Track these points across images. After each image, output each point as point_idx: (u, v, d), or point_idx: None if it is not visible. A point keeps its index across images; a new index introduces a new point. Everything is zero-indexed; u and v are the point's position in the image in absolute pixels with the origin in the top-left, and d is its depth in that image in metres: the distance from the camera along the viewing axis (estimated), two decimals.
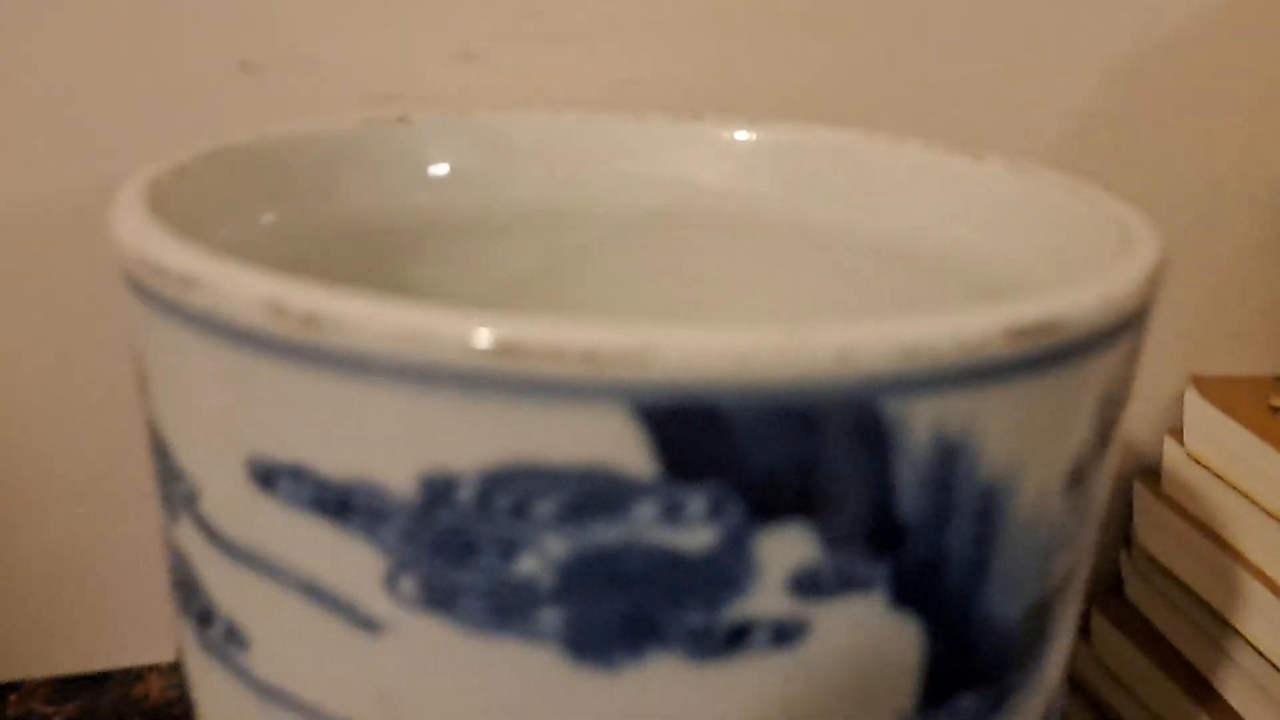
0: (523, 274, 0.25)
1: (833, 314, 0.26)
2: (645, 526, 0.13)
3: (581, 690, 0.14)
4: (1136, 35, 0.37)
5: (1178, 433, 0.42)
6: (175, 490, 0.17)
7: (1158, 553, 0.42)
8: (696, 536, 0.14)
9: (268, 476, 0.15)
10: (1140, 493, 0.43)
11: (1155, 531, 0.42)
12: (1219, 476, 0.39)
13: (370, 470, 0.14)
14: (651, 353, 0.13)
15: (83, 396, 0.32)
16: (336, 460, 0.14)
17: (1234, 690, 0.38)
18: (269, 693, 0.16)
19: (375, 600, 0.14)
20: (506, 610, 0.14)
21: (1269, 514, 0.36)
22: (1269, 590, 0.36)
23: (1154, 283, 0.16)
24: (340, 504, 0.14)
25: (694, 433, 0.13)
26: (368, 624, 0.15)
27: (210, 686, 0.17)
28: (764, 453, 0.13)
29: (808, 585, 0.14)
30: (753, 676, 0.14)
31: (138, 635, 0.36)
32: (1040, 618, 0.16)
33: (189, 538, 0.17)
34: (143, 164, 0.19)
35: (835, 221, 0.25)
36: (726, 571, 0.14)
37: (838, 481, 0.14)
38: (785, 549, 0.14)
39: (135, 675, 0.35)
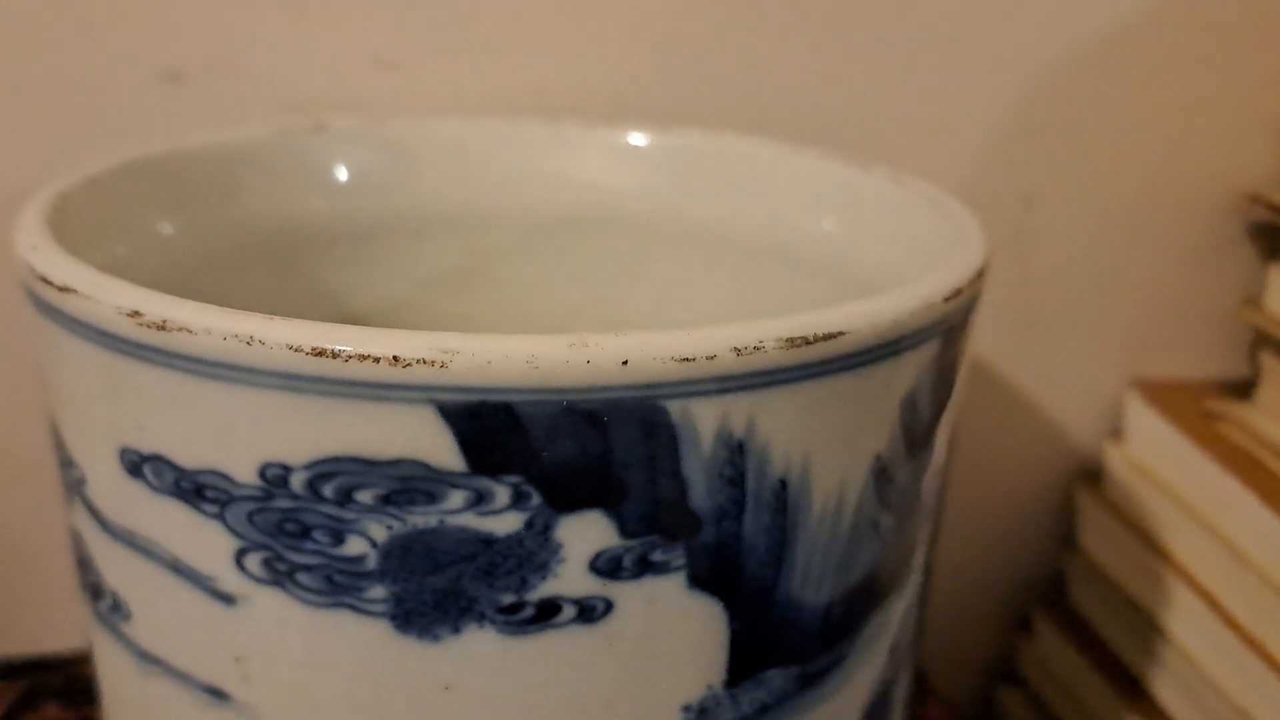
0: (438, 276, 0.27)
1: (735, 312, 0.27)
2: (456, 513, 0.15)
3: (408, 659, 0.16)
4: (1062, 43, 0.38)
5: (1119, 436, 0.43)
6: (69, 476, 0.18)
7: (1098, 556, 0.43)
8: (504, 522, 0.15)
9: (135, 465, 0.16)
10: (1082, 496, 0.44)
11: (1096, 535, 0.43)
12: (1157, 482, 0.40)
13: (218, 461, 0.15)
14: (450, 358, 0.14)
15: (19, 384, 0.34)
16: (190, 451, 0.16)
17: (1164, 692, 0.39)
18: (147, 659, 0.18)
19: (228, 576, 0.16)
20: (338, 586, 0.16)
21: (1202, 521, 0.37)
22: (1199, 597, 0.37)
23: (954, 299, 0.17)
24: (195, 490, 0.16)
25: (492, 431, 0.15)
26: (224, 597, 0.16)
27: (104, 656, 0.19)
28: (558, 449, 0.15)
29: (609, 568, 0.16)
30: (563, 649, 0.16)
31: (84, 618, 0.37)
32: (852, 604, 0.18)
33: (81, 519, 0.18)
34: (61, 171, 0.21)
35: (733, 225, 0.27)
36: (532, 555, 0.15)
37: (630, 474, 0.15)
38: (586, 535, 0.15)
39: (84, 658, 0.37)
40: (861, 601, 0.18)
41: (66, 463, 0.18)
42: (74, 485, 0.18)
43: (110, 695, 0.19)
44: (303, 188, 0.25)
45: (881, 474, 0.17)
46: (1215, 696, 0.36)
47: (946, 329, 0.17)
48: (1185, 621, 0.38)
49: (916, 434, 0.18)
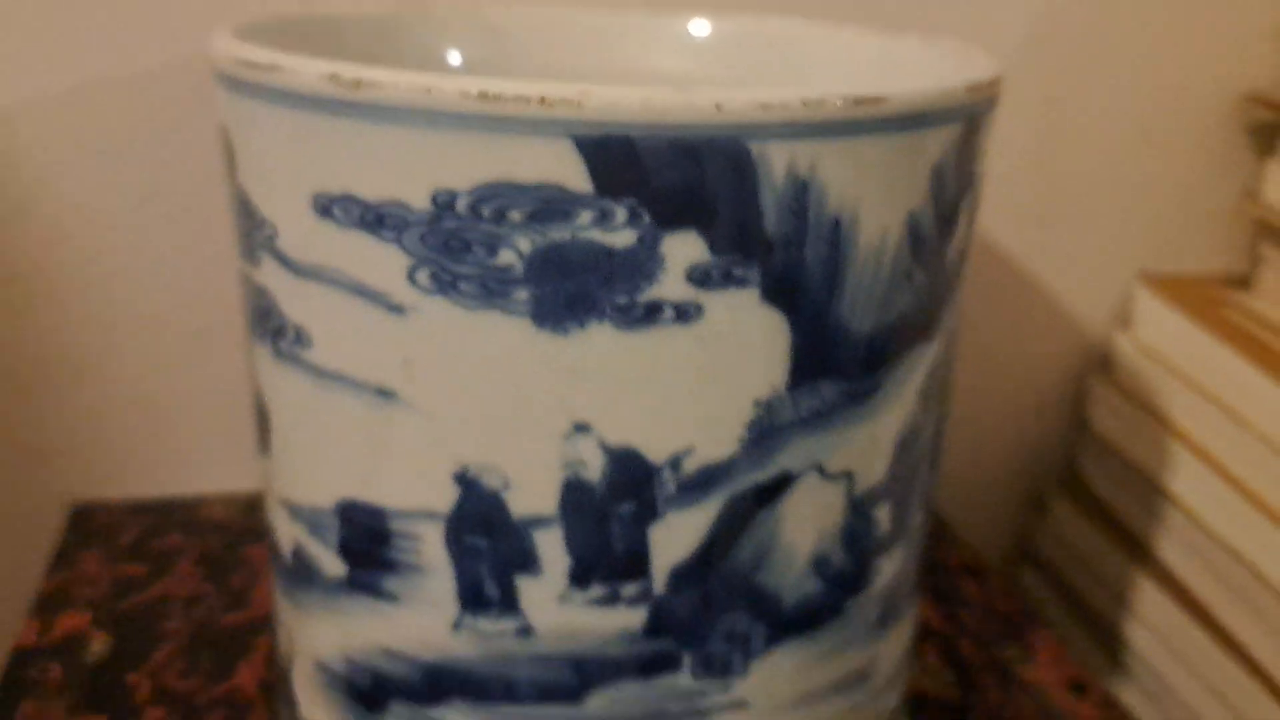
0: None
1: None
2: (585, 229, 0.19)
3: (544, 348, 0.20)
4: None
5: (1128, 325, 0.47)
6: (257, 236, 0.23)
7: (1109, 436, 0.47)
8: (621, 237, 0.20)
9: (326, 207, 0.21)
10: (1093, 382, 0.48)
11: (1107, 416, 0.47)
12: (1165, 364, 0.44)
13: (397, 192, 0.20)
14: (584, 97, 0.19)
15: (164, 247, 0.39)
16: (374, 188, 0.20)
17: (1170, 554, 0.43)
18: (327, 376, 0.22)
19: (401, 290, 0.21)
20: (491, 291, 0.20)
21: (1207, 394, 0.41)
22: (1202, 461, 0.41)
23: (973, 91, 0.22)
24: (377, 219, 0.20)
25: (615, 160, 0.19)
26: (396, 308, 0.21)
27: (281, 388, 0.24)
28: (665, 177, 0.19)
29: (700, 278, 0.20)
30: (664, 343, 0.20)
31: (201, 465, 0.42)
32: (889, 339, 0.22)
33: (269, 272, 0.23)
34: (234, 22, 0.26)
35: None
36: (642, 264, 0.20)
37: (719, 201, 0.20)
38: (683, 250, 0.20)
39: (198, 501, 0.42)
40: (895, 339, 0.23)
41: (255, 224, 0.23)
42: (263, 243, 0.23)
43: (284, 413, 0.24)
44: (422, 66, 0.30)
45: (915, 230, 0.22)
46: (1217, 550, 0.40)
47: (967, 116, 0.22)
48: (1189, 485, 0.42)
49: (943, 204, 0.22)
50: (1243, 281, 0.46)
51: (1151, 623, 0.43)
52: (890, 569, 0.25)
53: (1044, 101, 0.44)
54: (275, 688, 0.31)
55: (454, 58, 0.31)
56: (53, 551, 0.39)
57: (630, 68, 0.32)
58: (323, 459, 0.23)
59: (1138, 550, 0.44)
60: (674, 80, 0.32)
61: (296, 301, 0.22)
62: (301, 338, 0.23)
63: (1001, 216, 0.45)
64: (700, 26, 0.32)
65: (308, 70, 0.20)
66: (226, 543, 0.39)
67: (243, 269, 0.24)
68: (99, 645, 0.34)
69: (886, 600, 0.25)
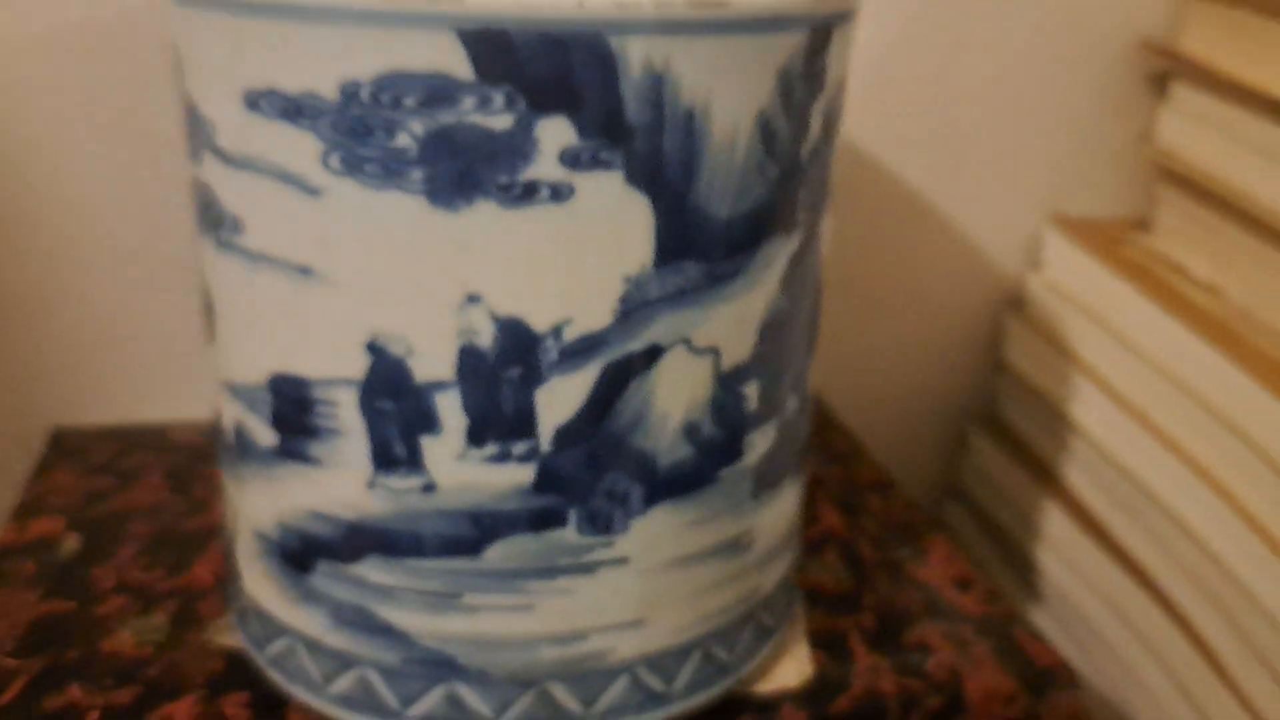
0: None
1: None
2: (469, 113, 0.23)
3: (438, 224, 0.24)
4: None
5: (1039, 266, 0.50)
6: (201, 135, 0.26)
7: (1023, 372, 0.50)
8: (500, 121, 0.23)
9: (255, 101, 0.24)
10: (1007, 320, 0.51)
11: (1021, 354, 0.50)
12: (1073, 302, 0.47)
13: (312, 84, 0.23)
14: None
15: (130, 180, 0.42)
16: (292, 80, 0.23)
17: (1079, 483, 0.46)
18: (255, 258, 0.26)
19: (316, 173, 0.24)
20: (391, 172, 0.23)
21: (1112, 330, 0.44)
22: (1107, 395, 0.44)
23: (819, 3, 0.25)
24: (296, 109, 0.24)
25: (493, 51, 0.22)
26: (313, 191, 0.24)
27: (222, 274, 0.27)
28: (537, 66, 0.22)
29: (571, 160, 0.23)
30: (541, 219, 0.24)
31: (172, 393, 0.45)
32: (745, 226, 0.25)
33: (210, 168, 0.26)
34: None
35: None
36: (520, 146, 0.23)
37: (584, 89, 0.23)
38: (555, 133, 0.23)
39: (167, 426, 0.45)
40: (753, 227, 0.26)
41: (199, 125, 0.26)
42: (204, 140, 0.26)
43: (224, 302, 0.27)
44: None
45: (765, 127, 0.25)
46: (1119, 477, 0.43)
47: (812, 25, 0.25)
48: (1094, 416, 0.45)
49: (792, 105, 0.25)
50: (1144, 224, 0.49)
51: (1060, 550, 0.46)
52: (763, 444, 0.28)
53: (946, 47, 0.46)
54: (226, 576, 0.34)
55: None
56: (32, 470, 0.42)
57: None
58: (256, 337, 0.27)
59: (1049, 481, 0.47)
60: None
61: (231, 192, 0.26)
62: (236, 225, 0.26)
63: (913, 162, 0.48)
64: None
65: None
66: (191, 461, 0.42)
67: (191, 170, 0.28)
68: (70, 544, 0.37)
69: (760, 474, 0.28)
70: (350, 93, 0.23)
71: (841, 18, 0.26)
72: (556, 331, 0.25)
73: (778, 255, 0.27)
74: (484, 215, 0.23)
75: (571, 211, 0.24)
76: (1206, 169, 0.43)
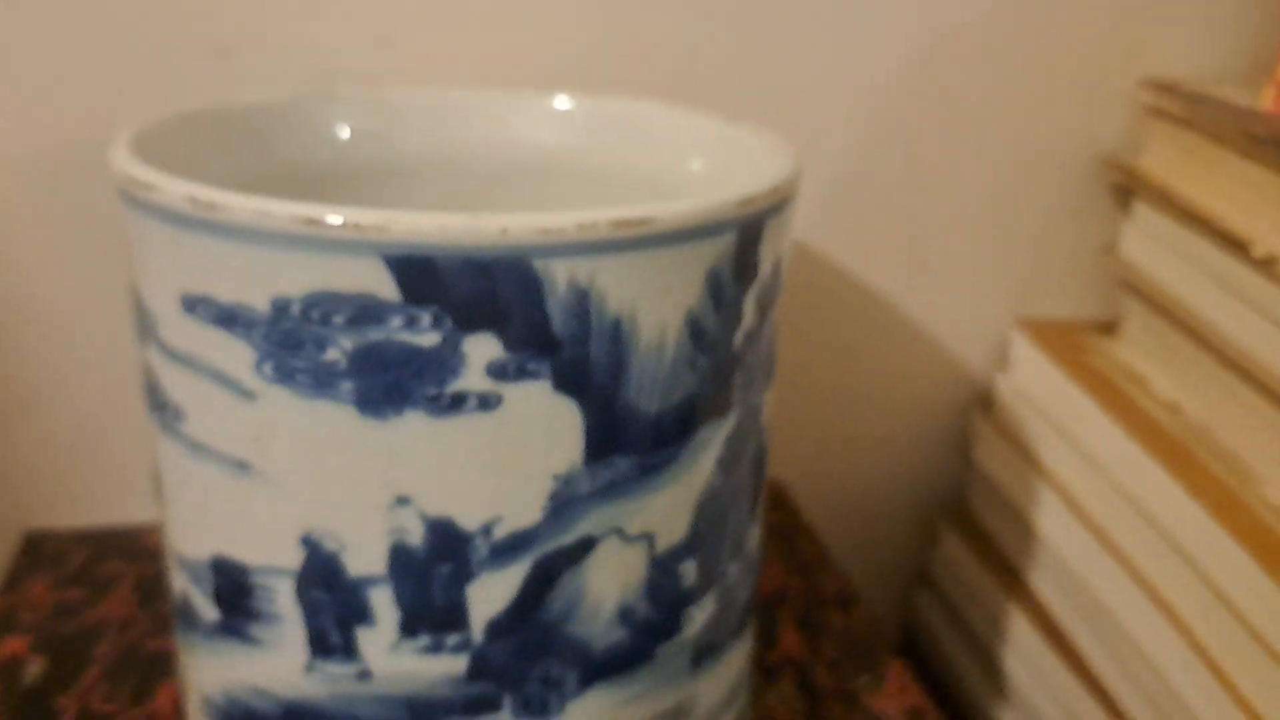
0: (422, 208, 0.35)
1: None
2: (396, 331, 0.23)
3: (368, 433, 0.24)
4: (939, 23, 0.45)
5: (1006, 368, 0.51)
6: (145, 324, 0.27)
7: (990, 472, 0.50)
8: (427, 338, 0.23)
9: (191, 304, 0.25)
10: (976, 420, 0.51)
11: (988, 454, 0.51)
12: (1037, 407, 0.47)
13: (244, 296, 0.24)
14: (390, 223, 0.22)
15: (104, 286, 0.43)
16: (226, 291, 0.24)
17: (1041, 586, 0.46)
18: (196, 447, 0.26)
19: (250, 378, 0.24)
20: (322, 383, 0.24)
21: (1071, 439, 0.44)
22: (1066, 504, 0.44)
23: (745, 205, 0.25)
24: (230, 318, 0.24)
25: (419, 275, 0.23)
26: (248, 394, 0.24)
27: (166, 453, 0.27)
28: (463, 289, 0.23)
29: (498, 372, 0.24)
30: (470, 427, 0.24)
31: (144, 491, 0.46)
32: (676, 417, 0.26)
33: (153, 355, 0.27)
34: (132, 122, 0.30)
35: (627, 167, 0.35)
36: (446, 360, 0.23)
37: (510, 308, 0.23)
38: (482, 348, 0.23)
39: (140, 530, 0.45)
40: (685, 417, 0.26)
41: (144, 314, 0.26)
42: (148, 330, 0.26)
43: (170, 481, 0.28)
44: (314, 142, 0.33)
45: (695, 325, 0.25)
46: (1078, 587, 0.43)
47: (741, 227, 0.25)
48: (1054, 524, 0.45)
49: (723, 301, 0.26)
50: (1108, 326, 0.50)
51: (1024, 652, 0.47)
52: (701, 616, 0.29)
53: (907, 160, 0.47)
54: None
55: (343, 131, 0.35)
56: (3, 576, 0.42)
57: (503, 139, 0.36)
58: (198, 519, 0.27)
59: (1015, 583, 0.47)
60: (539, 148, 0.36)
61: (173, 383, 0.26)
62: (178, 413, 0.26)
63: (883, 268, 0.48)
64: (564, 103, 0.36)
65: (174, 190, 0.24)
66: (160, 569, 0.43)
67: (138, 349, 0.28)
68: (34, 669, 0.38)
69: (700, 644, 0.29)
70: (281, 307, 0.23)
71: (774, 211, 0.26)
72: (486, 530, 0.25)
73: (712, 439, 0.27)
74: (412, 424, 0.24)
75: (500, 419, 0.24)
76: (1166, 288, 0.43)
